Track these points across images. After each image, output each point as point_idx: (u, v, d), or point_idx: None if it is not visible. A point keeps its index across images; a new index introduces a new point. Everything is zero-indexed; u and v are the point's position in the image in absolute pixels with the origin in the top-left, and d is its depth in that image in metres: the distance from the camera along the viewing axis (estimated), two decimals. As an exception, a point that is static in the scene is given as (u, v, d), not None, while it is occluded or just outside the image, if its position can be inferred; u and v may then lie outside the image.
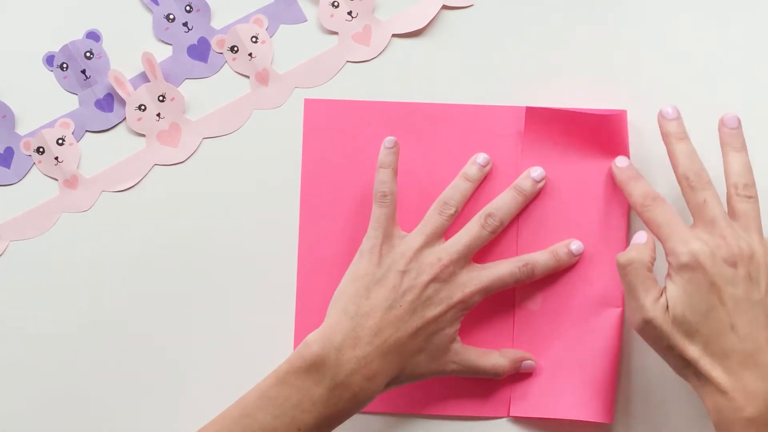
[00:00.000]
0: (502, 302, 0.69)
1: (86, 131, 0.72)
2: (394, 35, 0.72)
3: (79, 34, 0.72)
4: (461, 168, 0.69)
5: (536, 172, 0.69)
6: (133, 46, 0.71)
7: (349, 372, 0.62)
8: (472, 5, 0.72)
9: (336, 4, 0.72)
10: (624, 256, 0.62)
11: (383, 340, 0.63)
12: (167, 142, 0.72)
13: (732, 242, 0.60)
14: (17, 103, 0.72)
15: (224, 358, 0.71)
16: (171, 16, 0.72)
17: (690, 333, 0.59)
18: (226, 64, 0.72)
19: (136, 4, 0.72)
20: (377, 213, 0.67)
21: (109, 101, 0.72)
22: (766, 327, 0.59)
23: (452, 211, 0.67)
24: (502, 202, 0.68)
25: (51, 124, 0.72)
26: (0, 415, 0.71)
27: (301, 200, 0.71)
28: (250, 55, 0.72)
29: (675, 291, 0.60)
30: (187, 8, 0.72)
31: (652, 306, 0.60)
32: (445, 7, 0.72)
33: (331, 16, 0.72)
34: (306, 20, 0.72)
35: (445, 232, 0.67)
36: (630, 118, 0.69)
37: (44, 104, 0.72)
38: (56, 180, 0.72)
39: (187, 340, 0.71)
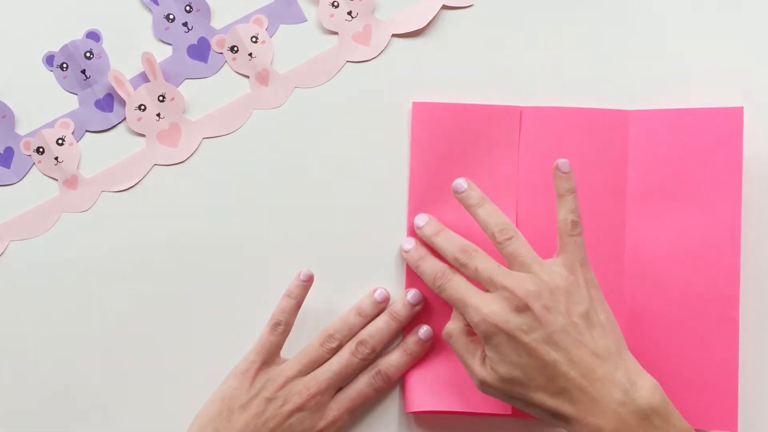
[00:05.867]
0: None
1: (86, 131, 0.72)
2: (394, 35, 0.72)
3: (79, 34, 0.72)
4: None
5: (412, 296, 0.69)
6: (133, 46, 0.71)
7: None
8: (472, 5, 0.72)
9: (336, 4, 0.72)
10: (444, 330, 0.66)
11: None
12: (167, 142, 0.72)
13: (515, 288, 0.61)
14: (17, 103, 0.72)
15: (224, 357, 0.70)
16: (171, 16, 0.72)
17: (524, 384, 0.61)
18: (226, 64, 0.72)
19: (136, 4, 0.72)
20: (264, 338, 0.68)
21: (109, 101, 0.72)
22: (585, 344, 0.61)
23: (335, 344, 0.68)
24: (375, 328, 0.69)
25: (51, 124, 0.72)
26: (0, 414, 0.71)
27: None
28: (250, 55, 0.72)
29: (492, 355, 0.62)
30: (187, 8, 0.72)
31: (480, 369, 0.63)
32: (445, 7, 0.72)
33: (331, 16, 0.72)
34: (306, 20, 0.72)
35: (322, 363, 0.68)
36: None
37: (44, 104, 0.72)
38: (56, 180, 0.72)
39: (186, 339, 0.71)
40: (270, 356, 0.68)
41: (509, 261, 0.64)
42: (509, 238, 0.64)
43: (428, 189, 0.70)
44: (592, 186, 0.69)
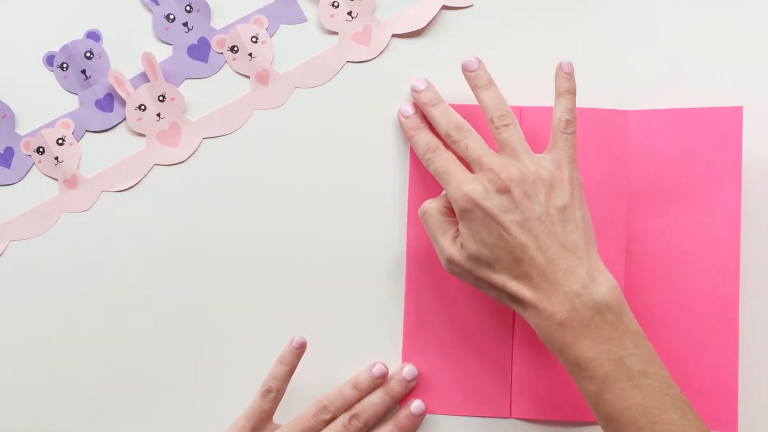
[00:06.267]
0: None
1: (86, 131, 0.72)
2: (394, 35, 0.72)
3: (80, 34, 0.72)
4: None
5: (408, 372, 0.69)
6: (133, 46, 0.71)
7: None
8: (472, 5, 0.72)
9: (336, 4, 0.72)
10: (421, 208, 0.66)
11: None
12: (167, 142, 0.72)
13: (500, 171, 0.63)
14: (17, 103, 0.72)
15: (223, 357, 0.70)
16: (171, 16, 0.72)
17: (489, 264, 0.62)
18: (226, 64, 0.72)
19: (137, 4, 0.72)
20: (255, 405, 0.67)
21: (109, 101, 0.72)
22: (556, 235, 0.62)
23: (328, 416, 0.68)
24: (369, 403, 0.69)
25: (51, 124, 0.72)
26: (0, 414, 0.71)
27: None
28: (250, 55, 0.72)
29: (464, 231, 0.63)
30: (188, 8, 0.72)
31: (449, 246, 0.64)
32: (445, 7, 0.72)
33: (331, 16, 0.72)
34: (306, 20, 0.72)
35: None
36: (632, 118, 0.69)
37: (44, 104, 0.72)
38: (56, 180, 0.72)
39: (186, 340, 0.71)
40: (260, 422, 0.67)
41: (501, 147, 0.65)
42: (506, 125, 0.65)
43: (428, 189, 0.70)
44: (592, 186, 0.69)
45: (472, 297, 0.70)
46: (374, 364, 0.69)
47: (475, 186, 0.63)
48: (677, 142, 0.69)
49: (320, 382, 0.70)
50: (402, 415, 0.69)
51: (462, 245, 0.63)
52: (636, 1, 0.72)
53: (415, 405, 0.69)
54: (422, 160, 0.67)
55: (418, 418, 0.69)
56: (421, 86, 0.69)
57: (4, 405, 0.71)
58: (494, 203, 0.62)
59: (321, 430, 0.68)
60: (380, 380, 0.69)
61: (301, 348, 0.68)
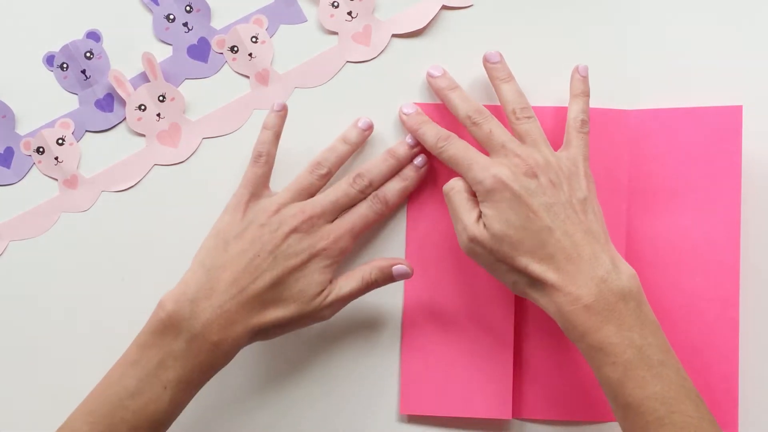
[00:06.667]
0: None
1: (86, 131, 0.72)
2: (394, 35, 0.72)
3: (80, 34, 0.72)
4: None
5: (411, 138, 0.70)
6: (133, 46, 0.72)
7: (205, 322, 0.63)
8: (472, 5, 0.72)
9: (336, 4, 0.72)
10: (447, 185, 0.66)
11: (240, 289, 0.64)
12: (167, 142, 0.72)
13: (526, 158, 0.64)
14: (17, 103, 0.72)
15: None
16: (171, 16, 0.72)
17: (514, 246, 0.62)
18: (226, 64, 0.72)
19: (136, 4, 0.72)
20: (249, 172, 0.67)
21: (109, 101, 0.72)
22: (580, 222, 0.63)
23: (324, 171, 0.68)
24: (373, 164, 0.69)
25: (51, 124, 0.72)
26: (0, 414, 0.71)
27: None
28: (250, 55, 0.72)
29: (489, 212, 0.63)
30: (188, 8, 0.72)
31: (473, 225, 0.64)
32: (445, 7, 0.72)
33: (331, 16, 0.72)
34: (306, 20, 0.72)
35: (314, 192, 0.68)
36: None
37: (44, 104, 0.72)
38: (56, 180, 0.72)
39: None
40: (257, 188, 0.67)
41: (521, 138, 0.66)
42: (528, 117, 0.66)
43: (429, 188, 0.70)
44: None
45: (473, 296, 0.70)
46: (359, 119, 0.70)
47: (503, 168, 0.63)
48: (677, 141, 0.69)
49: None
50: (406, 168, 0.70)
51: (485, 226, 0.63)
52: (636, 2, 0.72)
53: (419, 159, 0.70)
54: (434, 149, 0.67)
55: (421, 169, 0.70)
56: (438, 72, 0.69)
57: (4, 404, 0.71)
58: (522, 185, 0.63)
59: (319, 186, 0.68)
60: (367, 132, 0.70)
61: (283, 111, 0.68)
